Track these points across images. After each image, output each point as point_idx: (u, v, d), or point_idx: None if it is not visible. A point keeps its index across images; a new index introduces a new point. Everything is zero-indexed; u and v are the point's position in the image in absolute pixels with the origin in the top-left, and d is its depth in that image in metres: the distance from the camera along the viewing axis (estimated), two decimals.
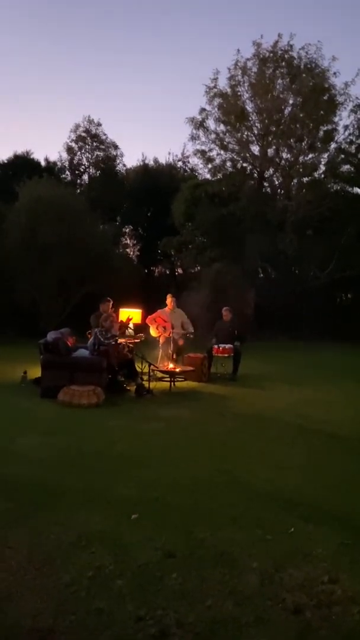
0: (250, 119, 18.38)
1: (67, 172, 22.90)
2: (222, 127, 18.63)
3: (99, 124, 22.43)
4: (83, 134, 22.41)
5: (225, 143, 18.81)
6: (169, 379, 7.92)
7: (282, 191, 19.38)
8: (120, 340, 7.69)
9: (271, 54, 17.83)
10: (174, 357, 8.38)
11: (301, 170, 18.58)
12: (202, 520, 3.12)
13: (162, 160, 24.57)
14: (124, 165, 23.52)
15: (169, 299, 9.05)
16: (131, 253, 23.57)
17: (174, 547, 2.74)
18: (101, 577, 2.46)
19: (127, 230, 23.65)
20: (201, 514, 3.23)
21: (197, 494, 3.56)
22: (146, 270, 22.60)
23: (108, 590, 2.35)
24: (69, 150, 22.61)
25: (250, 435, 5.30)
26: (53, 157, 23.16)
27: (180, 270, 22.41)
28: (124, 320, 8.33)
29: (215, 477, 3.92)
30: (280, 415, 6.17)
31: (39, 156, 23.03)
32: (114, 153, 22.87)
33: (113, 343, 7.25)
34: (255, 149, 18.97)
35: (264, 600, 2.30)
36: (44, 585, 2.38)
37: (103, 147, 22.61)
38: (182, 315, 9.03)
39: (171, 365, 8.16)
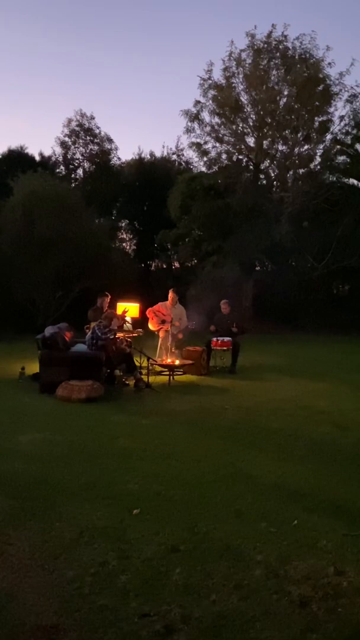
0: (245, 110, 18.28)
1: (62, 167, 22.73)
2: (216, 120, 18.56)
3: (92, 118, 22.27)
4: (76, 128, 22.23)
5: (220, 135, 18.72)
6: (168, 373, 7.89)
7: (278, 183, 19.30)
8: (119, 335, 7.65)
9: (265, 45, 17.70)
10: (173, 350, 8.35)
11: (297, 161, 18.50)
12: (205, 514, 3.09)
13: (158, 153, 24.48)
14: (119, 159, 23.37)
15: (171, 294, 9.02)
16: (127, 247, 23.49)
17: (178, 542, 2.72)
18: (105, 573, 2.43)
19: (123, 224, 23.54)
20: (204, 507, 3.21)
21: (200, 488, 3.54)
22: (143, 265, 22.51)
23: (112, 587, 2.32)
24: (63, 144, 22.44)
25: (251, 427, 5.27)
26: (47, 152, 22.98)
27: (177, 264, 22.34)
28: (120, 313, 8.30)
29: (218, 470, 3.89)
30: (280, 406, 6.16)
31: (33, 151, 22.93)
32: (109, 147, 22.68)
33: (111, 337, 7.21)
34: (250, 140, 18.91)
35: (270, 594, 2.28)
36: (47, 583, 2.35)
37: (97, 140, 22.43)
38: (182, 312, 8.99)
39: (170, 359, 8.13)
